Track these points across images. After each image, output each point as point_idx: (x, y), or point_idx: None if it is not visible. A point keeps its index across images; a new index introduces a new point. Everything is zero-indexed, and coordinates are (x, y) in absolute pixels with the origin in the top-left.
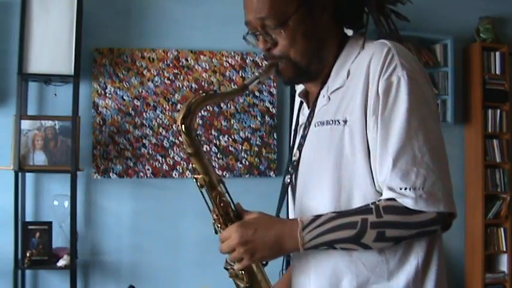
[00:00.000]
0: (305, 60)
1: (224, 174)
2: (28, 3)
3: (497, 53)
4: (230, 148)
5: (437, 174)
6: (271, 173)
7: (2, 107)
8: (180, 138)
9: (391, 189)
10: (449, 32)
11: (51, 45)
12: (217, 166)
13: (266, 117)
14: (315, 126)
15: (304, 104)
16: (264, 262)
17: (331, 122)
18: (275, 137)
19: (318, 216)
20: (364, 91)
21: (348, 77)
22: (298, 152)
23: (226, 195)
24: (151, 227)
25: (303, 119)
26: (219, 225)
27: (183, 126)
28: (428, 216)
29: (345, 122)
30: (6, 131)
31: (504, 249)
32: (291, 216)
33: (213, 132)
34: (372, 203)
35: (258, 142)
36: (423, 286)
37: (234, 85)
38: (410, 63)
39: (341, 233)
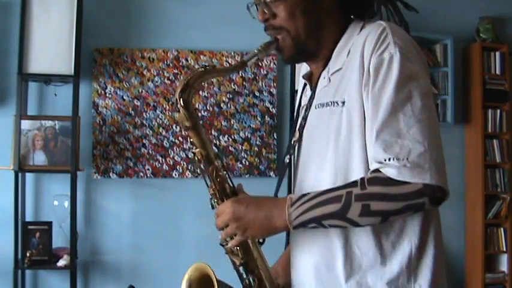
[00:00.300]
0: (302, 36)
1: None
2: (28, 3)
3: (497, 53)
4: (230, 148)
5: (425, 147)
6: (271, 173)
7: (2, 107)
8: (180, 138)
9: (376, 161)
10: (449, 32)
11: (51, 45)
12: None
13: (266, 117)
14: (316, 108)
15: (308, 86)
16: (261, 240)
17: (330, 104)
18: (275, 137)
19: (307, 193)
20: (360, 70)
21: (347, 58)
22: (298, 132)
23: (223, 170)
24: (151, 227)
25: (305, 101)
26: (216, 200)
27: (181, 99)
28: (414, 188)
29: (343, 103)
30: (6, 131)
31: (504, 249)
32: None
33: (213, 132)
34: (359, 178)
35: (258, 142)
36: (418, 272)
37: (234, 85)
38: (403, 41)
39: (327, 207)
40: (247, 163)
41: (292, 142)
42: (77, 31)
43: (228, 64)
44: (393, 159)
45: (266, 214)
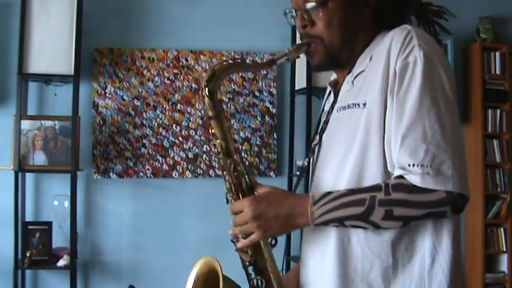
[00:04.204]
0: (337, 46)
1: (225, 174)
2: (28, 3)
3: (497, 53)
4: None
5: (448, 154)
6: (271, 173)
7: (2, 107)
8: (180, 138)
9: (400, 166)
10: (449, 32)
11: (51, 45)
12: (217, 166)
13: (266, 117)
14: (337, 111)
15: (332, 93)
16: (273, 242)
17: (351, 106)
18: (275, 137)
19: (330, 193)
20: (385, 73)
21: (370, 61)
22: (318, 136)
23: (241, 165)
24: (151, 227)
25: (327, 106)
26: (231, 195)
27: (206, 89)
28: (437, 196)
29: (364, 104)
30: (6, 131)
31: (504, 249)
32: None
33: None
34: (383, 182)
35: (258, 142)
36: (432, 276)
37: (233, 85)
38: (428, 44)
39: (350, 209)
40: (247, 163)
41: (312, 145)
42: (77, 31)
43: None
44: (417, 165)
45: (288, 212)
